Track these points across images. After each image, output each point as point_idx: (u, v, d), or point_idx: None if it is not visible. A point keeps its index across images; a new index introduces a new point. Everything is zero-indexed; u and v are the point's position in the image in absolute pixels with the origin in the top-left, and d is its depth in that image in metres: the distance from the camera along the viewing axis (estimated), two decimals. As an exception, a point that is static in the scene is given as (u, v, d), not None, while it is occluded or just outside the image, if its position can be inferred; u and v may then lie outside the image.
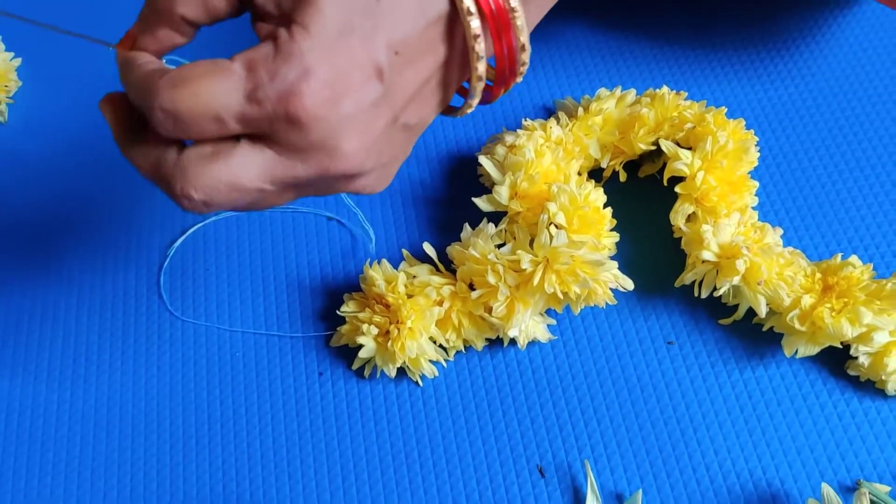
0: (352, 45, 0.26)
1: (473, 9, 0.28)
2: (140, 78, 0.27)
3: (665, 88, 0.47)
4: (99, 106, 0.29)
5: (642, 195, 0.48)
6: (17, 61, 0.54)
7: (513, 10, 0.28)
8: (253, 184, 0.27)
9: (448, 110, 0.33)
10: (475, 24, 0.28)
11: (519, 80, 0.31)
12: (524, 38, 0.29)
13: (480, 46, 0.28)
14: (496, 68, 0.30)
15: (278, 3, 0.27)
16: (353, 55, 0.26)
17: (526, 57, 0.30)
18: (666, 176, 0.45)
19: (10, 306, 0.47)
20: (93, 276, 0.47)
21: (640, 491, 0.39)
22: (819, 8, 0.55)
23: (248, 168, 0.27)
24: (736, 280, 0.41)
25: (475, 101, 0.31)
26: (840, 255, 0.42)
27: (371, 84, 0.27)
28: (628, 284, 0.42)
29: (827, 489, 0.38)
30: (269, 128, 0.26)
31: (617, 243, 0.45)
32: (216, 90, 0.26)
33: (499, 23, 0.28)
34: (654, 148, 0.46)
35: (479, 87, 0.30)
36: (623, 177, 0.48)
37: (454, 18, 0.28)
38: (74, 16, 0.58)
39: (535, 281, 0.39)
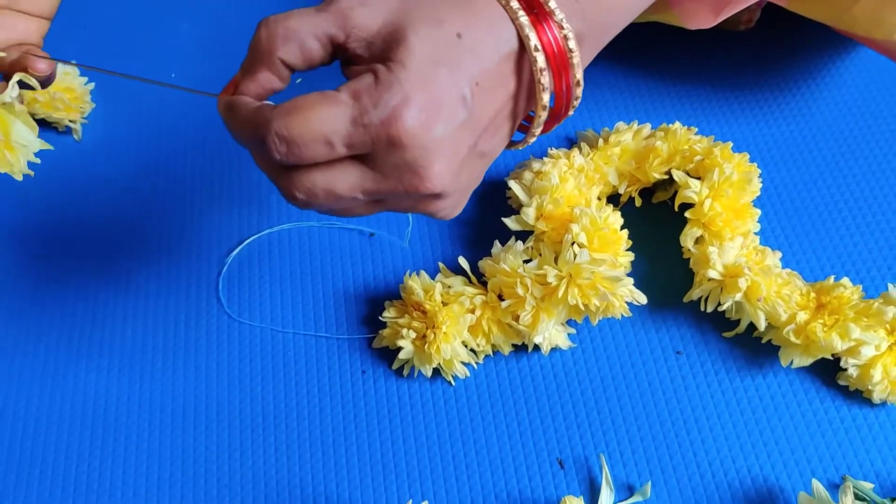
0: (441, 76, 0.30)
1: (539, 46, 0.32)
2: (250, 114, 0.31)
3: (677, 124, 0.52)
4: (220, 110, 0.33)
5: (655, 219, 0.53)
6: (91, 85, 0.60)
7: (571, 50, 0.32)
8: (346, 193, 0.31)
9: (510, 144, 0.37)
10: (541, 58, 0.32)
11: (572, 112, 0.35)
12: (579, 74, 0.33)
13: (546, 79, 0.32)
14: (554, 103, 0.34)
15: (369, 47, 0.31)
16: (442, 85, 0.30)
17: (580, 91, 0.34)
18: (677, 202, 0.50)
19: (90, 311, 0.52)
20: (158, 284, 0.52)
21: (650, 483, 0.44)
22: (819, 53, 0.60)
23: (345, 180, 0.31)
24: (738, 297, 0.46)
25: (538, 130, 0.35)
26: (833, 277, 0.47)
27: (458, 110, 0.30)
28: (642, 299, 0.46)
29: (816, 484, 0.42)
30: (370, 149, 0.29)
31: (632, 262, 0.49)
32: (326, 116, 0.29)
33: (559, 63, 0.32)
34: (666, 177, 0.51)
35: (544, 115, 0.34)
36: (638, 202, 0.53)
37: (522, 55, 0.32)
38: (140, 50, 0.64)
39: (560, 293, 0.44)
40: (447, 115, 0.30)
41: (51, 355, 0.50)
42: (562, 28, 0.32)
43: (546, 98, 0.33)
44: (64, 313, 0.51)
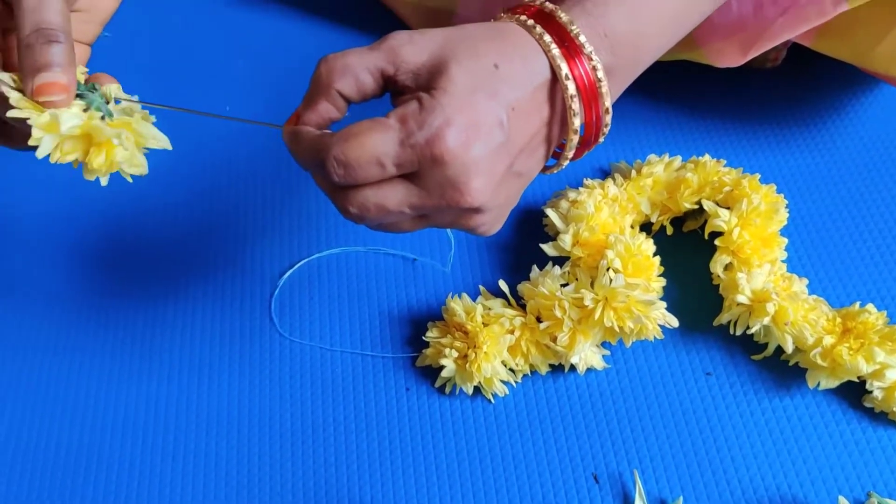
0: (479, 101, 0.33)
1: (570, 75, 0.35)
2: (312, 141, 0.34)
3: (707, 156, 0.55)
4: (284, 139, 0.36)
5: (685, 247, 0.55)
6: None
7: (600, 80, 0.36)
8: (395, 208, 0.34)
9: (544, 168, 0.40)
10: (571, 86, 0.35)
11: (602, 140, 0.38)
12: (608, 103, 0.37)
13: (576, 105, 0.36)
14: (585, 131, 0.37)
15: (416, 78, 0.35)
16: (481, 109, 0.33)
17: (608, 119, 0.37)
18: (707, 231, 0.52)
19: (150, 325, 0.55)
20: (215, 302, 0.56)
21: (681, 498, 0.46)
22: (842, 90, 0.63)
23: (394, 196, 0.34)
24: (766, 321, 0.48)
25: (571, 154, 0.38)
26: (858, 303, 0.49)
27: (495, 132, 0.33)
28: (674, 321, 0.49)
29: (843, 501, 0.44)
30: (416, 167, 0.33)
31: (663, 287, 0.52)
32: (378, 140, 0.32)
33: (589, 91, 0.36)
34: (696, 206, 0.54)
35: (575, 139, 0.37)
36: (670, 230, 0.55)
37: (555, 85, 0.36)
38: (198, 86, 0.68)
39: (597, 316, 0.47)
40: (485, 136, 0.33)
41: (111, 364, 0.53)
42: (591, 59, 0.35)
43: (577, 123, 0.36)
44: (126, 326, 0.55)
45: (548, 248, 0.53)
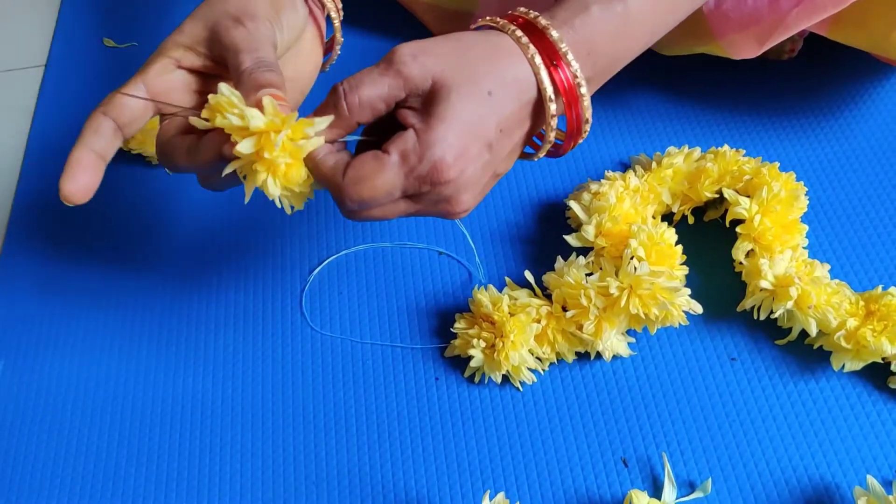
0: (473, 128, 0.37)
1: (553, 95, 0.39)
2: (327, 173, 0.37)
3: (726, 147, 0.55)
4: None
5: (707, 236, 0.56)
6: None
7: (582, 95, 0.40)
8: (394, 216, 0.39)
9: (522, 155, 0.44)
10: (553, 107, 0.39)
11: (584, 137, 0.42)
12: (588, 114, 0.40)
13: (555, 122, 0.40)
14: (567, 129, 0.41)
15: (421, 100, 0.38)
16: (472, 137, 0.37)
17: (589, 115, 0.41)
18: (728, 218, 0.53)
19: (184, 321, 0.57)
20: (247, 298, 0.57)
21: (710, 479, 0.47)
22: (858, 79, 0.64)
23: (395, 209, 0.39)
24: (790, 305, 0.49)
25: (542, 154, 0.43)
26: (881, 286, 0.50)
27: (484, 154, 0.38)
28: (698, 308, 0.50)
29: (871, 480, 0.45)
30: (418, 191, 0.38)
31: (686, 275, 0.52)
32: (385, 179, 0.36)
33: (570, 97, 0.40)
34: (717, 196, 0.55)
35: (547, 147, 0.42)
36: (691, 220, 0.56)
37: (540, 101, 0.40)
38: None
39: (622, 303, 0.48)
40: (476, 159, 0.38)
41: (147, 359, 0.55)
42: (576, 77, 0.39)
43: (552, 135, 0.41)
44: (161, 322, 0.56)
45: (571, 240, 0.54)
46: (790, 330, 0.51)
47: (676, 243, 0.51)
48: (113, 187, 0.63)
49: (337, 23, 0.46)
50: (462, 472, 0.49)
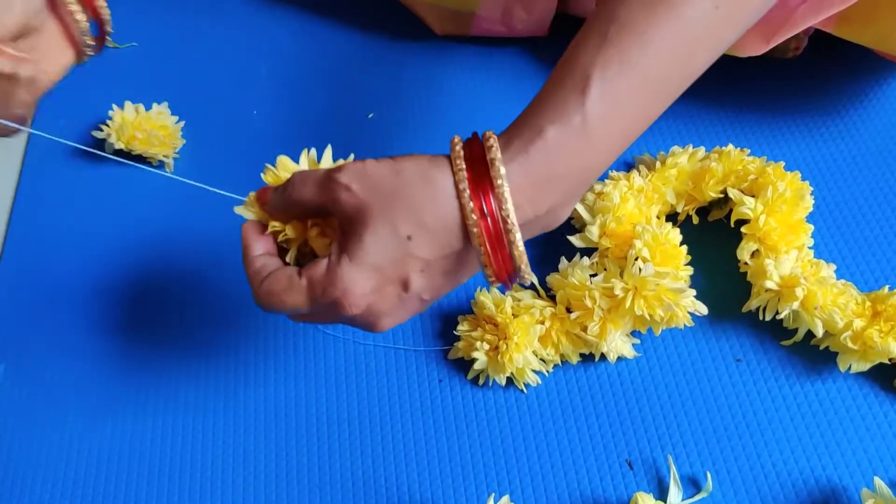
0: (383, 270, 0.37)
1: (481, 242, 0.36)
2: (247, 273, 0.40)
3: (731, 146, 0.55)
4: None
5: (711, 236, 0.56)
6: (182, 123, 0.65)
7: (508, 231, 0.36)
8: (310, 322, 0.41)
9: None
10: (482, 257, 0.36)
11: (527, 279, 0.38)
12: (518, 249, 0.36)
13: (489, 271, 0.37)
14: (496, 277, 0.38)
15: (341, 222, 0.38)
16: (383, 277, 0.37)
17: (522, 262, 0.37)
18: (733, 218, 0.53)
19: (187, 323, 0.56)
20: (249, 298, 0.57)
21: (709, 475, 0.46)
22: (863, 77, 0.63)
23: (298, 314, 0.40)
24: (795, 305, 0.48)
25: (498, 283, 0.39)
26: (887, 286, 0.50)
27: (398, 292, 0.38)
28: (703, 309, 0.49)
29: (878, 481, 0.44)
30: (327, 313, 0.39)
31: (691, 276, 0.52)
32: (293, 300, 0.38)
33: (495, 243, 0.36)
34: (721, 196, 0.54)
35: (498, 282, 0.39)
36: (695, 220, 0.56)
37: (468, 251, 0.37)
38: (224, 90, 0.69)
39: (627, 304, 0.47)
40: (389, 295, 0.38)
41: (147, 360, 0.54)
42: (506, 222, 0.35)
43: (492, 279, 0.38)
44: (162, 322, 0.56)
45: (575, 240, 0.53)
46: (796, 331, 0.50)
47: (681, 244, 0.51)
48: (113, 187, 0.62)
49: (81, 17, 0.45)
50: (466, 475, 0.49)
